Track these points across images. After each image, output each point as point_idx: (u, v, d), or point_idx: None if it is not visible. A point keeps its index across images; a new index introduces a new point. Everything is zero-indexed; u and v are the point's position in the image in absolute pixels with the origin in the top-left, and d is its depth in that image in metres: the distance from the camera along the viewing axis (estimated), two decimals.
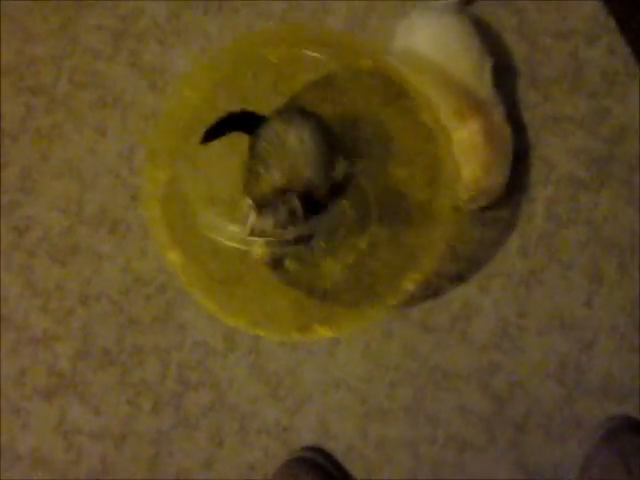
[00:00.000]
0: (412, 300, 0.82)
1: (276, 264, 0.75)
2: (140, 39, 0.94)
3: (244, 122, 0.74)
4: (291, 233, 0.63)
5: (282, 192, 0.65)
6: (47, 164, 0.94)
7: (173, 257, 0.72)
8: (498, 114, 0.72)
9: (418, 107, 0.66)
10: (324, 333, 0.69)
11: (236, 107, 0.74)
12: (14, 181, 0.94)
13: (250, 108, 0.74)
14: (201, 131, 0.73)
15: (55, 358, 0.90)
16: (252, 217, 0.65)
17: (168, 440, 0.87)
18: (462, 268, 0.83)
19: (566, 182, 0.83)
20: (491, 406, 0.81)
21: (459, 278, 0.83)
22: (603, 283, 0.81)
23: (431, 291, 0.83)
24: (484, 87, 0.72)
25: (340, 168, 0.69)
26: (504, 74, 0.84)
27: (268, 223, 0.64)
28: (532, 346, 0.81)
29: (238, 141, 0.74)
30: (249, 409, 0.86)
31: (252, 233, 0.64)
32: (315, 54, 0.69)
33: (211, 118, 0.73)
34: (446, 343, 0.83)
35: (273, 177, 0.66)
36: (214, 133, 0.74)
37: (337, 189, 0.70)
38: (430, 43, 0.73)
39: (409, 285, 0.69)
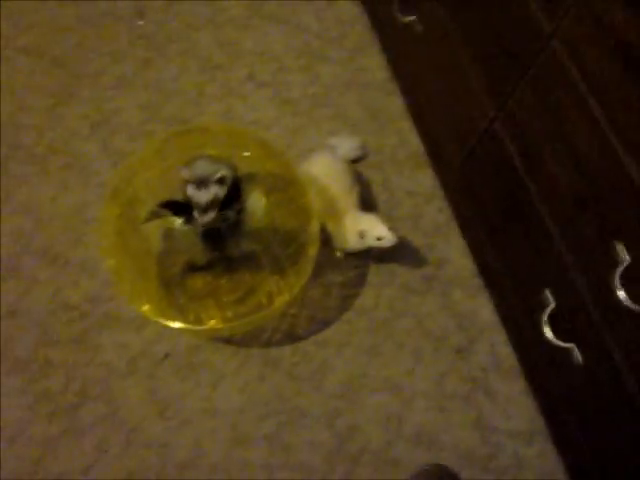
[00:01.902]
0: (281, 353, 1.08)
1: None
2: (115, 131, 1.24)
3: (176, 207, 0.99)
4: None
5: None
6: (10, 201, 1.14)
7: (111, 263, 0.94)
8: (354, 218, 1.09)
9: (300, 195, 1.02)
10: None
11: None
12: None
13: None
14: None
15: None
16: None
17: (55, 445, 0.98)
18: (325, 335, 1.11)
19: (403, 287, 1.17)
20: (334, 442, 1.03)
21: (322, 343, 1.11)
22: (422, 360, 1.11)
23: (300, 350, 1.10)
24: (352, 201, 1.10)
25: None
26: None
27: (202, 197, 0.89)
28: (368, 399, 1.07)
29: None
30: (136, 425, 1.01)
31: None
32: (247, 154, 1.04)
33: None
34: (305, 390, 1.07)
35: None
36: (154, 215, 1.00)
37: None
38: (324, 169, 1.11)
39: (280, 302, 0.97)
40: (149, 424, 1.01)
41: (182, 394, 1.04)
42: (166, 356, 1.06)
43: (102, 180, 1.19)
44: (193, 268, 1.09)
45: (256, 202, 1.01)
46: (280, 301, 0.96)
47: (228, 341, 1.09)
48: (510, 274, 1.10)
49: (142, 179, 1.04)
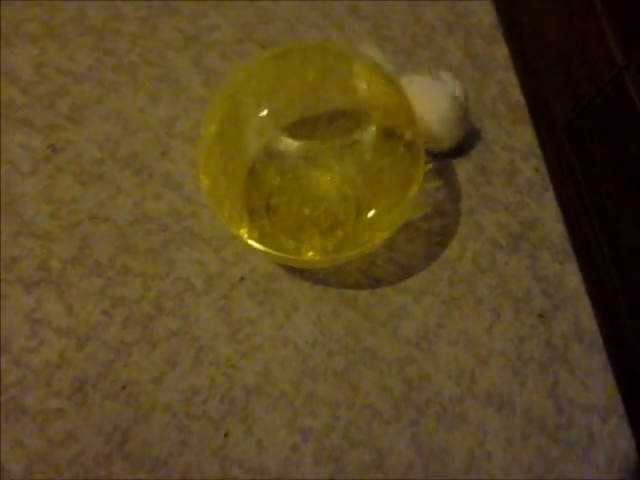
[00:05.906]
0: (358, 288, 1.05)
1: None
2: (208, 47, 1.20)
3: None
4: None
5: None
6: (99, 107, 1.12)
7: (207, 183, 0.91)
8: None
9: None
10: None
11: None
12: (65, 110, 1.11)
13: None
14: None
15: (49, 256, 1.01)
16: None
17: (127, 352, 0.98)
18: (405, 282, 1.07)
19: (489, 243, 1.12)
20: (402, 389, 1.00)
21: (401, 289, 1.07)
22: (501, 319, 1.07)
23: (378, 293, 1.06)
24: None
25: None
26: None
27: None
28: (442, 351, 1.04)
29: None
30: (207, 343, 1.00)
31: None
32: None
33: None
34: (379, 332, 1.04)
35: None
36: None
37: None
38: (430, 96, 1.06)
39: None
40: (220, 344, 1.00)
41: (255, 319, 1.02)
42: (242, 279, 1.04)
43: (192, 95, 1.15)
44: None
45: (367, 131, 0.95)
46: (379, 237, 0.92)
47: (305, 274, 1.06)
48: (607, 243, 1.03)
49: (244, 98, 0.99)
